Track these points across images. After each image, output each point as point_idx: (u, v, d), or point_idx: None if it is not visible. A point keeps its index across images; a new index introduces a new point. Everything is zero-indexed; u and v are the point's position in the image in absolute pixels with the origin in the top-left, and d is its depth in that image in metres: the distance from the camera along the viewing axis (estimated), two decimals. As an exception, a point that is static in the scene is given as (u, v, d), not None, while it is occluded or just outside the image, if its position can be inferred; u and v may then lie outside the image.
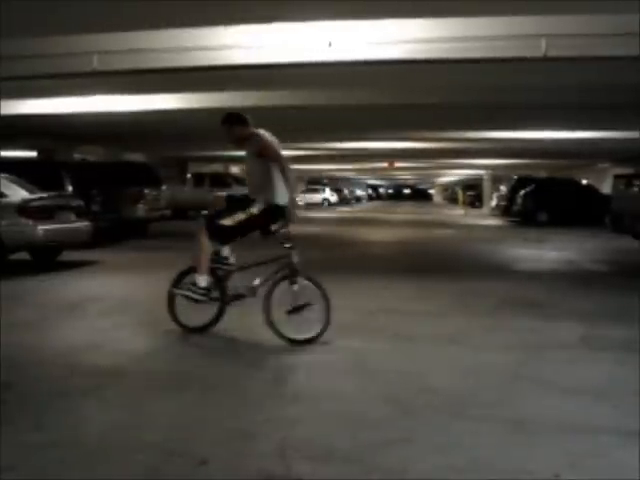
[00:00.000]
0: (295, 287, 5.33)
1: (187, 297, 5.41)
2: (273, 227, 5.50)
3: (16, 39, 7.48)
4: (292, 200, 5.48)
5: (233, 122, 5.65)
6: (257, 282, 5.49)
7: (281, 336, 5.21)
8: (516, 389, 4.24)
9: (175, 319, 5.57)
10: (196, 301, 5.38)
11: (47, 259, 10.29)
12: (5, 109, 12.06)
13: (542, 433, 3.45)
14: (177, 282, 5.61)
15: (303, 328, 5.23)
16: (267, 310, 5.27)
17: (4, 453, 3.10)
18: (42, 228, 9.41)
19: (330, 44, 7.27)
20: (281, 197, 5.40)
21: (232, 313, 5.63)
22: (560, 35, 6.86)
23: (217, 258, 5.55)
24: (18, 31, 7.23)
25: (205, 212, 6.40)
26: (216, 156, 29.43)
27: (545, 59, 6.99)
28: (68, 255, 10.68)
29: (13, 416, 3.61)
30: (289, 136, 19.78)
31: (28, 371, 4.53)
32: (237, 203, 5.56)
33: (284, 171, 5.36)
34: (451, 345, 5.38)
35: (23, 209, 9.34)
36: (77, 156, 20.94)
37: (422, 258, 12.32)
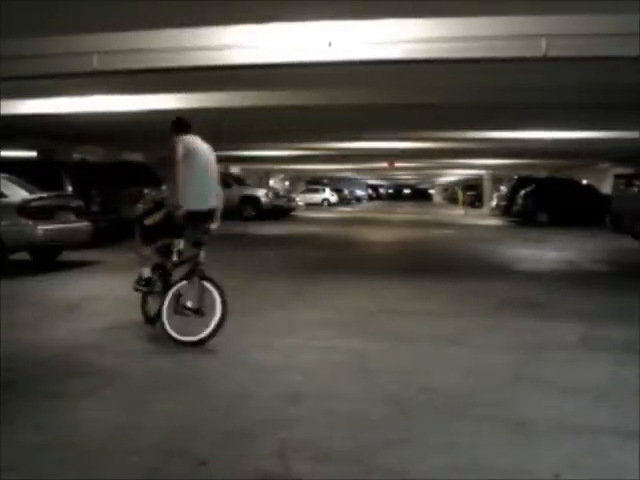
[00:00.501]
0: (195, 287, 5.34)
1: (135, 289, 5.87)
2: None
3: (16, 39, 7.46)
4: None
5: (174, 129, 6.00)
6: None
7: (166, 335, 5.21)
8: (516, 389, 4.24)
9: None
10: (140, 291, 5.85)
11: (47, 259, 10.29)
12: (5, 109, 12.05)
13: (542, 433, 3.45)
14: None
15: (190, 330, 5.17)
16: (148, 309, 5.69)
17: (4, 453, 3.10)
18: (42, 228, 9.41)
19: (330, 44, 7.27)
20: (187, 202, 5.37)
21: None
22: (560, 35, 6.84)
23: (165, 252, 5.79)
24: (18, 31, 7.22)
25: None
26: (216, 156, 29.41)
27: (545, 59, 6.98)
28: (68, 255, 10.68)
29: (13, 416, 3.61)
30: (289, 136, 19.86)
31: (28, 371, 4.53)
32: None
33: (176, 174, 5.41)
34: (451, 345, 5.38)
35: (23, 209, 9.34)
36: (77, 156, 20.93)
37: (422, 258, 12.32)
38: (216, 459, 3.10)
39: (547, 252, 13.42)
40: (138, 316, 6.45)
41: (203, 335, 5.13)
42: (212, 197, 5.66)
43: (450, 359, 4.96)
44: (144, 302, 5.92)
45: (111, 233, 13.66)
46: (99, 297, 7.48)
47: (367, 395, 4.08)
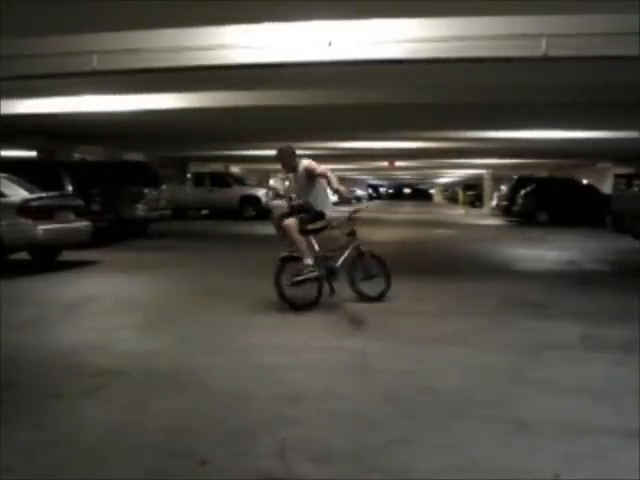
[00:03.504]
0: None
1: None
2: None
3: (16, 39, 7.46)
4: None
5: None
6: None
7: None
8: (516, 389, 4.24)
9: None
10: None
11: (47, 259, 10.30)
12: (5, 109, 12.05)
13: (542, 433, 3.45)
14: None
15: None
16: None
17: (4, 453, 3.10)
18: (42, 228, 9.42)
19: (330, 44, 7.26)
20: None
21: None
22: (560, 35, 6.84)
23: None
24: (18, 31, 7.22)
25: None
26: (216, 156, 29.42)
27: (545, 59, 6.98)
28: (68, 255, 10.68)
29: (13, 416, 3.61)
30: (289, 136, 19.84)
31: (28, 371, 4.53)
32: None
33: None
34: (451, 345, 5.38)
35: (23, 209, 9.34)
36: (77, 156, 20.93)
37: (422, 258, 12.32)
38: (216, 459, 3.10)
39: (547, 252, 13.41)
40: (138, 316, 6.47)
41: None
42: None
43: (450, 359, 4.96)
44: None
45: (111, 233, 13.68)
46: (99, 297, 7.48)
47: (367, 395, 4.07)
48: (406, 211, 36.35)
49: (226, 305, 7.06)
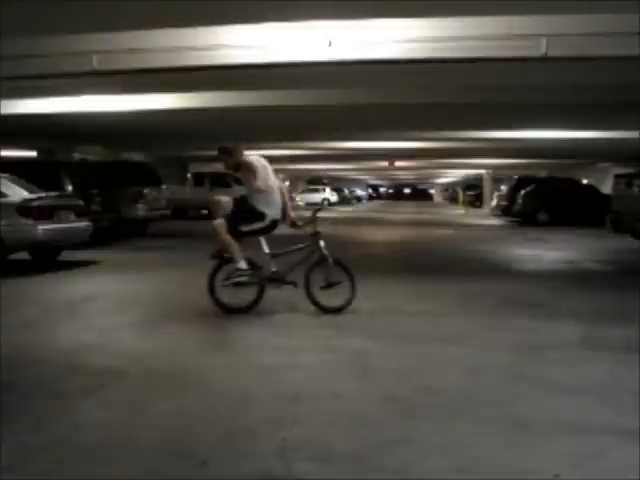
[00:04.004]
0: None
1: None
2: None
3: (16, 39, 7.47)
4: None
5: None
6: None
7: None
8: (516, 389, 4.24)
9: None
10: None
11: (47, 259, 10.30)
12: (5, 109, 12.06)
13: (542, 433, 3.44)
14: None
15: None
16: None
17: (4, 453, 3.10)
18: (42, 228, 9.42)
19: (330, 44, 7.27)
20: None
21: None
22: (561, 35, 6.84)
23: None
24: (18, 31, 7.22)
25: None
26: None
27: (545, 59, 6.98)
28: (68, 255, 10.68)
29: (13, 416, 3.61)
30: (289, 136, 19.84)
31: (28, 371, 4.53)
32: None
33: None
34: (451, 345, 5.38)
35: (23, 209, 9.35)
36: (77, 156, 20.93)
37: (422, 258, 12.32)
38: (216, 458, 3.10)
39: (547, 252, 13.42)
40: (138, 315, 6.47)
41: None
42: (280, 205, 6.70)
43: (450, 359, 4.96)
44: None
45: (111, 233, 13.67)
46: (99, 296, 7.48)
47: (367, 395, 4.07)
48: (406, 211, 36.36)
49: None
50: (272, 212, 6.51)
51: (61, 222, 9.96)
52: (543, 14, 6.67)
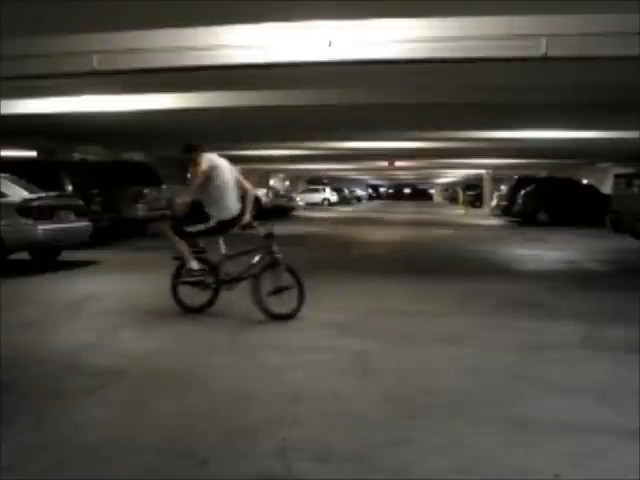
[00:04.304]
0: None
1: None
2: None
3: (16, 39, 7.46)
4: None
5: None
6: None
7: None
8: (516, 389, 4.24)
9: None
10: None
11: (47, 259, 10.29)
12: (5, 109, 12.05)
13: (542, 433, 3.44)
14: None
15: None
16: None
17: (4, 453, 3.10)
18: (42, 228, 9.42)
19: (330, 44, 7.27)
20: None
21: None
22: (560, 35, 6.84)
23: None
24: (18, 31, 7.22)
25: None
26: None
27: (545, 59, 6.98)
28: (68, 255, 10.68)
29: (13, 416, 3.61)
30: (289, 136, 19.84)
31: (28, 371, 4.53)
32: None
33: None
34: (451, 345, 5.38)
35: (23, 209, 9.34)
36: (77, 156, 20.92)
37: (422, 258, 12.32)
38: (216, 458, 3.10)
39: (547, 252, 13.42)
40: (138, 315, 6.47)
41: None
42: (235, 206, 6.53)
43: (450, 359, 4.96)
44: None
45: (111, 233, 13.67)
46: (99, 296, 7.48)
47: (367, 395, 4.07)
48: (406, 211, 36.36)
49: (225, 304, 7.04)
50: (219, 213, 6.39)
51: (61, 222, 9.96)
52: (543, 14, 6.67)
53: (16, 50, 7.57)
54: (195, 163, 6.44)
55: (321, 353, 5.06)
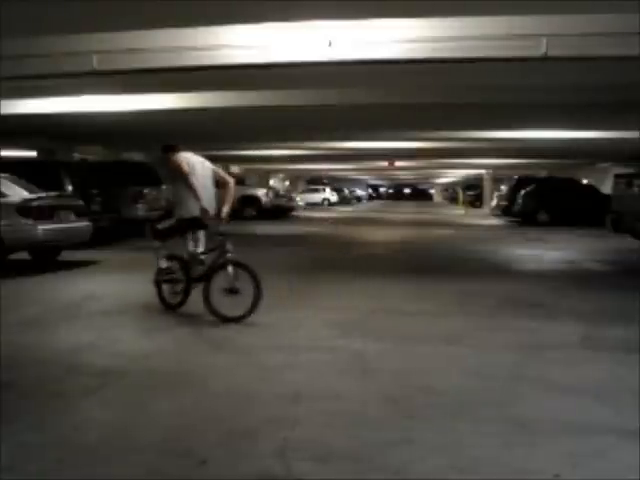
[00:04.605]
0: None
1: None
2: None
3: (16, 39, 7.46)
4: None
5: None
6: None
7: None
8: (516, 389, 4.24)
9: None
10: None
11: (47, 259, 10.29)
12: (5, 109, 12.05)
13: (542, 433, 3.44)
14: None
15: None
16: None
17: (4, 453, 3.10)
18: (42, 228, 9.41)
19: (330, 44, 7.26)
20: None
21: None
22: (561, 35, 6.83)
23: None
24: (18, 31, 7.22)
25: None
26: (216, 156, 29.36)
27: (545, 59, 6.98)
28: (68, 255, 10.68)
29: (13, 416, 3.61)
30: (289, 136, 19.83)
31: (28, 371, 4.52)
32: None
33: None
34: (451, 345, 5.38)
35: (23, 209, 9.34)
36: (77, 156, 20.92)
37: (422, 258, 12.32)
38: (216, 458, 3.10)
39: (547, 252, 13.42)
40: (138, 315, 6.48)
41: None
42: (212, 204, 6.49)
43: (450, 359, 4.96)
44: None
45: (111, 233, 13.66)
46: (99, 296, 7.48)
47: (367, 395, 4.07)
48: (406, 211, 36.36)
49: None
50: (184, 211, 6.41)
51: (61, 222, 9.95)
52: (543, 14, 6.66)
53: (16, 50, 7.56)
54: (171, 163, 6.52)
55: (321, 353, 5.06)
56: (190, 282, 6.53)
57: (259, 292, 5.99)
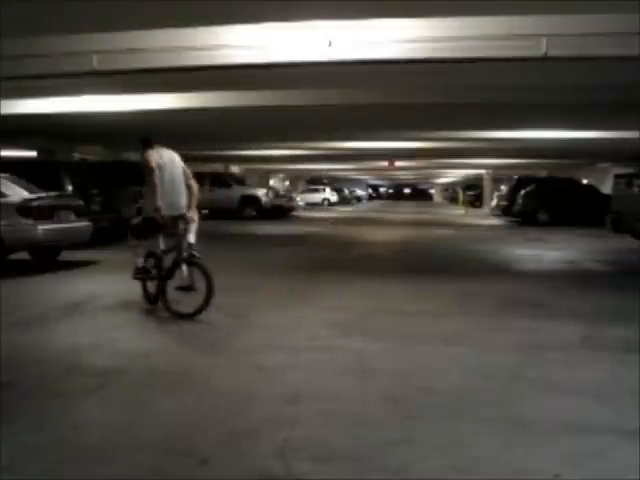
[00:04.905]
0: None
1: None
2: None
3: (15, 39, 7.46)
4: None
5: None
6: None
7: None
8: (516, 389, 4.23)
9: None
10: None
11: (47, 259, 10.28)
12: (4, 109, 12.05)
13: (542, 433, 3.44)
14: None
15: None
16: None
17: (4, 453, 3.10)
18: (42, 228, 9.40)
19: (330, 44, 7.26)
20: None
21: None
22: (561, 35, 6.83)
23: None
24: (17, 31, 7.22)
25: None
26: (216, 156, 29.40)
27: (546, 59, 6.98)
28: (68, 255, 10.67)
29: (13, 416, 3.60)
30: (289, 136, 19.83)
31: (28, 371, 4.52)
32: None
33: None
34: (451, 345, 5.37)
35: (23, 209, 9.33)
36: (77, 156, 20.91)
37: (422, 258, 12.31)
38: (217, 458, 3.10)
39: (547, 252, 13.41)
40: (138, 315, 6.47)
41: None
42: (180, 204, 6.44)
43: (450, 359, 4.95)
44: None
45: (111, 233, 13.65)
46: (99, 296, 7.47)
47: (367, 395, 4.07)
48: (406, 211, 36.35)
49: (222, 304, 7.04)
50: (147, 209, 6.46)
51: (61, 222, 9.95)
52: (543, 14, 6.66)
53: (16, 50, 7.56)
54: (144, 158, 6.47)
55: (321, 353, 5.05)
56: (163, 279, 6.52)
57: (211, 290, 6.06)
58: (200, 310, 6.09)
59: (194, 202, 6.57)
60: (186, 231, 6.35)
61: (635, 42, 6.60)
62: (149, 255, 6.66)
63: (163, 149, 6.62)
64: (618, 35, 6.71)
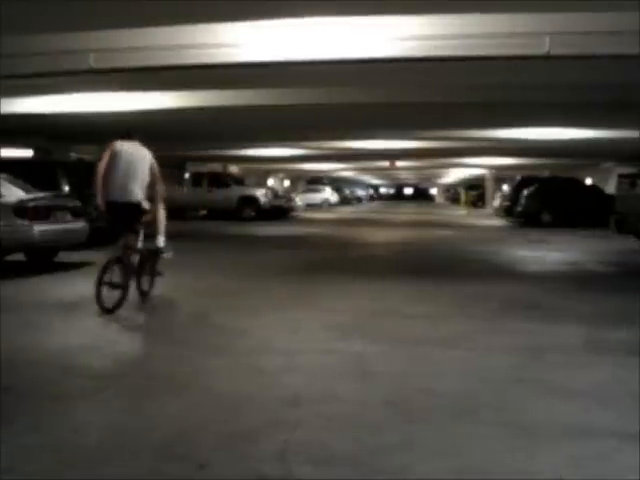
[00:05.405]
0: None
1: None
2: None
3: (12, 37, 7.42)
4: None
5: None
6: None
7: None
8: (518, 392, 4.18)
9: None
10: None
11: (43, 260, 10.20)
12: (1, 107, 11.99)
13: (544, 436, 3.39)
14: None
15: None
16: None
17: (3, 454, 3.05)
18: (38, 228, 9.31)
19: (330, 42, 7.20)
20: None
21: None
22: (563, 33, 6.78)
23: None
24: (15, 29, 7.17)
25: None
26: (215, 155, 29.35)
27: (548, 57, 6.92)
28: (65, 256, 10.59)
29: (12, 418, 3.55)
30: (289, 136, 19.77)
31: (26, 373, 4.47)
32: None
33: None
34: (452, 348, 5.31)
35: (19, 209, 9.24)
36: (73, 155, 20.84)
37: (423, 259, 12.25)
38: (215, 462, 3.03)
39: (550, 253, 13.34)
40: (136, 315, 6.41)
41: None
42: (133, 192, 6.45)
43: (451, 361, 4.89)
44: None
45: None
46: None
47: (367, 397, 4.02)
48: (407, 212, 36.33)
49: (222, 305, 6.97)
50: (101, 203, 6.55)
51: (58, 223, 9.86)
52: (546, 12, 6.62)
53: (13, 48, 7.54)
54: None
55: (320, 355, 4.99)
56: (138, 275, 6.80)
57: (126, 290, 6.40)
58: (118, 306, 6.26)
59: (158, 199, 6.74)
60: (156, 232, 6.64)
61: (637, 40, 6.54)
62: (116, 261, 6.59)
63: (127, 142, 6.69)
64: (621, 34, 6.67)
